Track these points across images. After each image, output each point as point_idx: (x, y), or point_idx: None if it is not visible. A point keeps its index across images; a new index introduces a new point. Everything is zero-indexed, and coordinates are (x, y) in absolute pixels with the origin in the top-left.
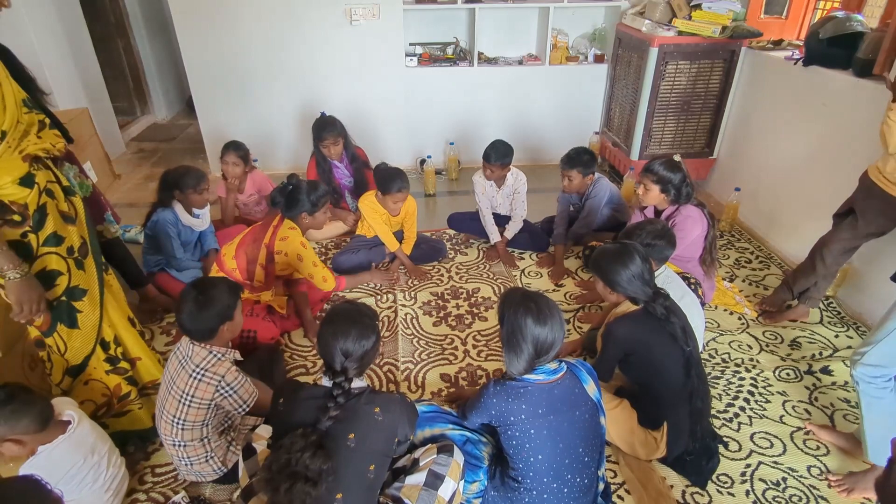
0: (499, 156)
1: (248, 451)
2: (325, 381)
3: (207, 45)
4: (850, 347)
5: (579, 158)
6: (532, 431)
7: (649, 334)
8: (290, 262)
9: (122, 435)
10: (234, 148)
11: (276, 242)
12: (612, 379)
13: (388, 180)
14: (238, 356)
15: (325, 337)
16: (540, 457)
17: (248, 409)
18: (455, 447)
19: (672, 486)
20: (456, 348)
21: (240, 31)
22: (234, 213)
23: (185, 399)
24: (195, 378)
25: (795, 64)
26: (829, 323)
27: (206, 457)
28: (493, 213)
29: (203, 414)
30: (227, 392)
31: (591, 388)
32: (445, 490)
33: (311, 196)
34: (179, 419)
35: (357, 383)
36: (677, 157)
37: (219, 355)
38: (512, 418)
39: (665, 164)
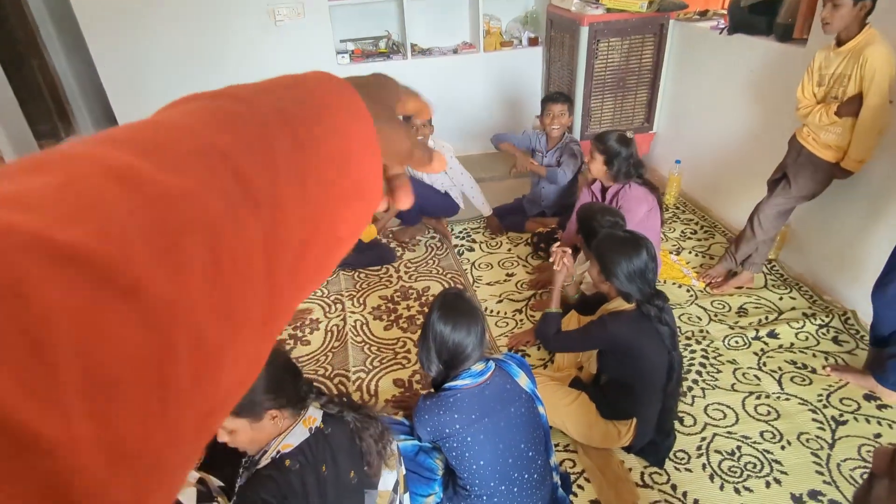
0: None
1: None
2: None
3: (124, 58)
4: (794, 308)
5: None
6: (469, 439)
7: (642, 337)
8: None
9: None
10: None
11: None
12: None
13: None
14: None
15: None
16: (482, 462)
17: None
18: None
19: (630, 469)
20: (409, 351)
21: (158, 41)
22: None
23: None
24: None
25: (721, 33)
26: (773, 286)
27: None
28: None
29: None
30: None
31: (522, 380)
32: (386, 482)
33: None
34: None
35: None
36: (630, 134)
37: None
38: (447, 430)
39: (616, 137)
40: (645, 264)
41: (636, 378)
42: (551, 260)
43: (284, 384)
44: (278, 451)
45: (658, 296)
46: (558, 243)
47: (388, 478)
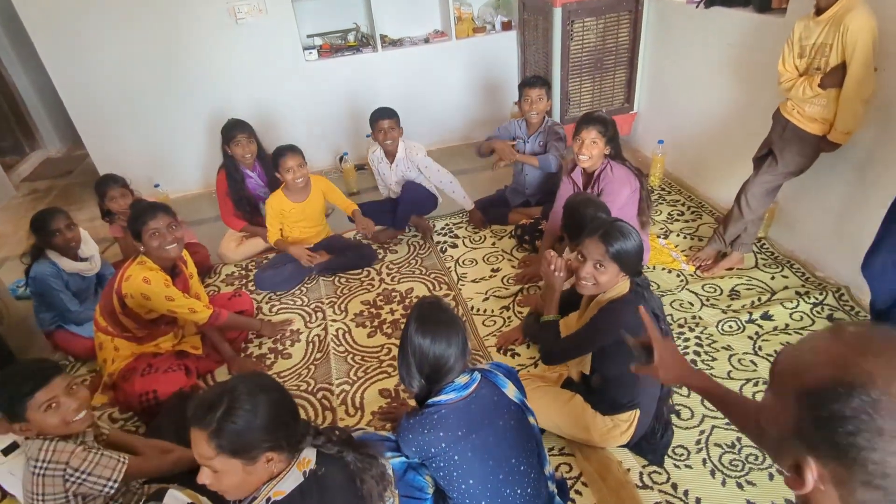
0: (388, 113)
1: None
2: None
3: (80, 66)
4: (786, 288)
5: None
6: (456, 458)
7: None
8: (142, 303)
9: None
10: (114, 181)
11: (122, 285)
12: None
13: (276, 154)
14: (89, 438)
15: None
16: (471, 481)
17: (116, 484)
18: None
19: (629, 470)
20: (394, 358)
21: (115, 47)
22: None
23: (37, 499)
24: (38, 475)
25: (697, 7)
26: (764, 265)
27: None
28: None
29: None
30: (79, 479)
31: (510, 390)
32: None
33: (131, 222)
34: None
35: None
36: (602, 111)
37: (60, 440)
38: (433, 450)
39: (605, 114)
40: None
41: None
42: (552, 268)
43: (286, 425)
44: (269, 499)
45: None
46: (551, 252)
47: None
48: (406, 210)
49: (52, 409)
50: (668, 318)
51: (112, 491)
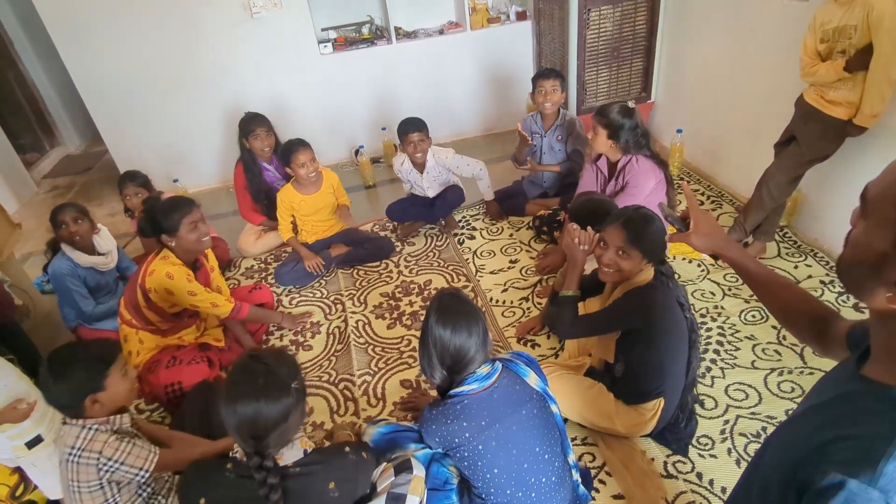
0: (417, 125)
1: None
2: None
3: (99, 64)
4: (810, 277)
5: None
6: (480, 447)
7: (667, 301)
8: (166, 298)
9: None
10: (131, 179)
11: (146, 279)
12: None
13: (286, 150)
14: (126, 421)
15: (225, 411)
16: (496, 470)
17: (149, 473)
18: (413, 460)
19: (653, 459)
20: (414, 349)
21: (132, 44)
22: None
23: (73, 486)
24: (73, 462)
25: None
26: (786, 254)
27: None
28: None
29: (101, 497)
30: (111, 467)
31: (532, 379)
32: None
33: (165, 216)
34: None
35: (290, 453)
36: (631, 104)
37: (96, 430)
38: (456, 440)
39: (618, 109)
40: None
41: (665, 351)
42: (575, 240)
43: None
44: None
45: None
46: (574, 225)
47: (412, 502)
48: (444, 210)
49: (125, 378)
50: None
51: (144, 479)
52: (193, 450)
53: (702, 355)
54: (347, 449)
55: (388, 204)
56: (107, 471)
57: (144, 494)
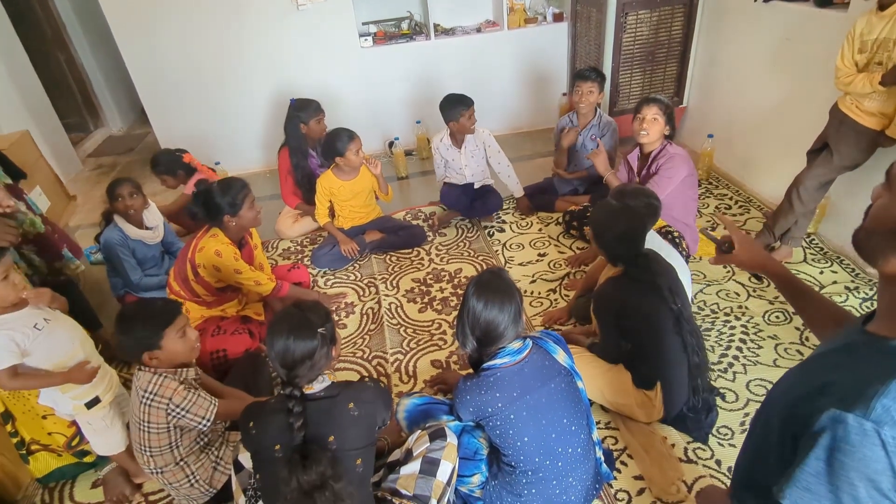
0: (468, 100)
1: (238, 466)
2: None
3: (151, 50)
4: (835, 283)
5: None
6: (512, 416)
7: (634, 295)
8: (213, 273)
9: None
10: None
11: (196, 255)
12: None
13: (336, 140)
14: (192, 374)
15: (267, 342)
16: (526, 439)
17: (210, 422)
18: (447, 429)
19: (674, 445)
20: (444, 332)
21: (183, 32)
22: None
23: (143, 426)
24: (145, 404)
25: (756, 1)
26: (812, 260)
27: (189, 480)
28: (466, 184)
29: (166, 438)
30: (178, 413)
31: (560, 356)
32: (443, 473)
33: (226, 196)
34: (145, 447)
35: (318, 385)
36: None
37: (166, 377)
38: (490, 409)
39: (664, 97)
40: (625, 228)
41: (647, 337)
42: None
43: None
44: None
45: (642, 256)
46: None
47: (445, 468)
48: (482, 212)
49: (182, 339)
50: (715, 307)
51: (205, 428)
52: (244, 403)
53: (724, 351)
54: (367, 379)
55: (422, 195)
56: (175, 416)
57: (202, 443)
